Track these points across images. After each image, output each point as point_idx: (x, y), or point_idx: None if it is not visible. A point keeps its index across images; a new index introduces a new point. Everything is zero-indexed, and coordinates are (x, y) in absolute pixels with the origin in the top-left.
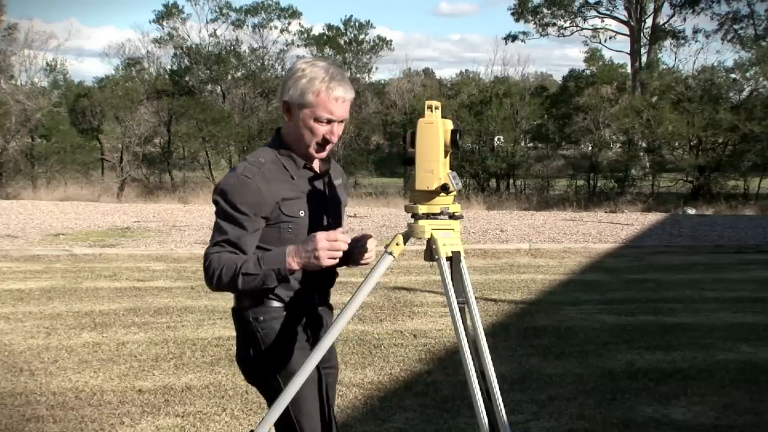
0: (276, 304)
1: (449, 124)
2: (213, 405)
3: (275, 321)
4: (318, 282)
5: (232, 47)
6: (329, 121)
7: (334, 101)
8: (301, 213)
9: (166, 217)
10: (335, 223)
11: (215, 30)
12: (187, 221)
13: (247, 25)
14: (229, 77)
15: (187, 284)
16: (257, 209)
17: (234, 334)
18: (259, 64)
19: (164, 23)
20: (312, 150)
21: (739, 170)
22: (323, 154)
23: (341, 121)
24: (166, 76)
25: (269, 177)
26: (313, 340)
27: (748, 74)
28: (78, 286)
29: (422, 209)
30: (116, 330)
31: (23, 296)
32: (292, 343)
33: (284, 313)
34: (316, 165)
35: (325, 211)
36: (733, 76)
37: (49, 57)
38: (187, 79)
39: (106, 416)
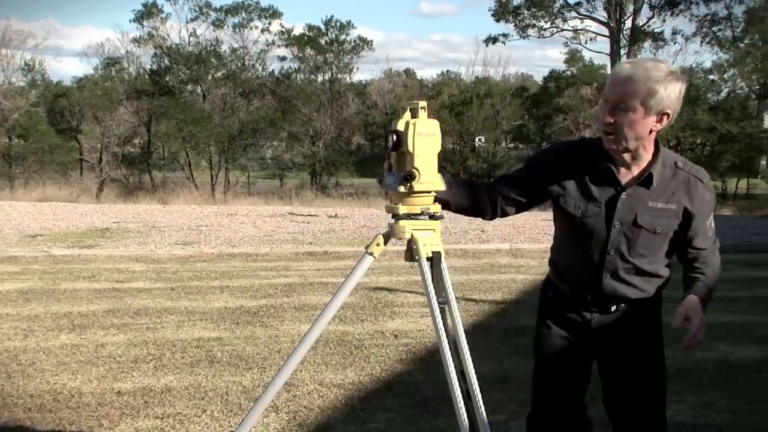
0: (550, 290)
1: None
2: (193, 406)
3: (543, 297)
4: (585, 285)
5: (212, 47)
6: (608, 103)
7: (611, 82)
8: (579, 212)
9: (146, 217)
10: (619, 238)
11: (195, 30)
12: (167, 222)
13: (228, 25)
14: (210, 77)
15: (167, 285)
16: (534, 173)
17: (214, 335)
18: (239, 64)
19: (144, 23)
20: (603, 139)
21: (717, 171)
22: (612, 147)
23: (619, 107)
24: (146, 76)
25: (570, 158)
26: (575, 341)
27: (725, 75)
28: (56, 288)
29: (403, 209)
30: (95, 331)
31: (0, 298)
32: (545, 325)
33: (545, 290)
34: (624, 173)
35: (609, 224)
36: (711, 77)
37: (27, 56)
38: (167, 79)
39: (84, 419)
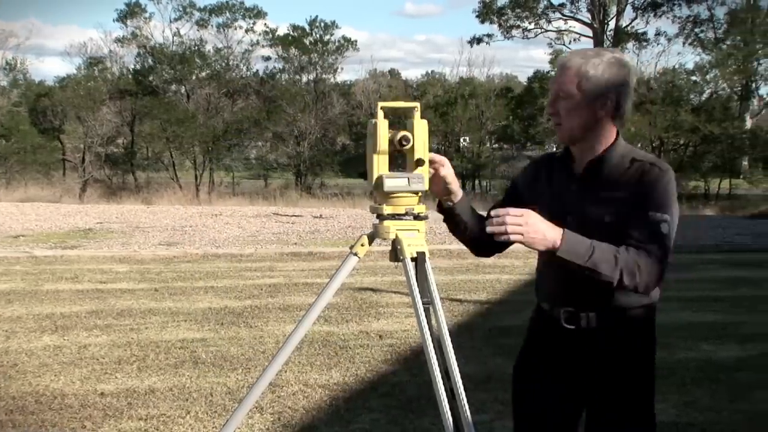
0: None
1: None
2: (177, 408)
3: (531, 321)
4: (559, 285)
5: (196, 47)
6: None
7: (557, 69)
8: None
9: (130, 218)
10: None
11: (179, 29)
12: (151, 222)
13: (212, 25)
14: (194, 77)
15: (150, 286)
16: (514, 189)
17: (199, 336)
18: (223, 64)
19: (127, 22)
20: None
21: (699, 171)
22: (560, 137)
23: (559, 96)
24: (129, 76)
25: (541, 165)
26: (553, 358)
27: (708, 76)
28: (39, 289)
29: (387, 210)
30: (78, 333)
31: None
32: (525, 348)
33: (533, 315)
34: (579, 166)
35: (563, 217)
36: (693, 78)
37: (8, 56)
38: (150, 78)
39: (67, 420)
